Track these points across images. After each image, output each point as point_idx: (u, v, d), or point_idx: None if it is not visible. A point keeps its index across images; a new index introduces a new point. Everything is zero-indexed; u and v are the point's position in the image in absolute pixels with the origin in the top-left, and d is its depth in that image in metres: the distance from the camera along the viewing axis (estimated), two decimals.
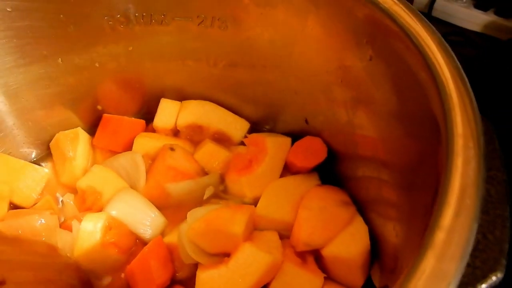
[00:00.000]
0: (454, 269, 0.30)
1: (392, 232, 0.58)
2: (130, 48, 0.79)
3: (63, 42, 0.75)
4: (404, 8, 0.51)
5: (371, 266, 0.64)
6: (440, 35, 0.49)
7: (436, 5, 1.16)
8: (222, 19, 0.73)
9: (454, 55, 0.44)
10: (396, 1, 0.52)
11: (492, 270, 0.35)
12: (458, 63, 0.43)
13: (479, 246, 0.36)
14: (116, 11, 0.73)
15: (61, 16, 0.71)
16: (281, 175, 0.77)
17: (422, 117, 0.47)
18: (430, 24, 0.50)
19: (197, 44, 0.78)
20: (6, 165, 0.77)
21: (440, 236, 0.32)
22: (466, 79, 0.42)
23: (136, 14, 0.74)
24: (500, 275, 0.36)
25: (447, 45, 0.46)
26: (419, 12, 0.51)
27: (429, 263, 0.32)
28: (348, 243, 0.63)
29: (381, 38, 0.54)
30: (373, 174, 0.64)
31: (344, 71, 0.63)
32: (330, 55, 0.65)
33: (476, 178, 0.35)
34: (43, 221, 0.70)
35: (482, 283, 0.34)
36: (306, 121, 0.78)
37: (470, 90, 0.42)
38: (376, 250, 0.64)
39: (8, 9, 0.68)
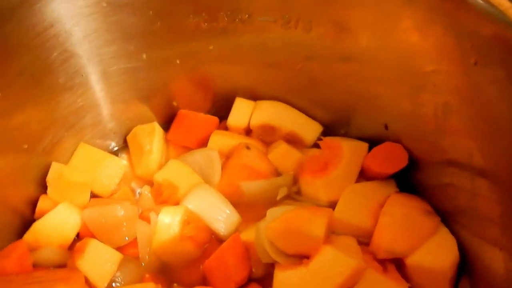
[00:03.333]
0: None
1: (496, 255, 0.55)
2: (211, 47, 0.80)
3: (149, 38, 0.77)
4: None
5: (459, 278, 0.62)
6: None
7: None
8: (307, 20, 0.73)
9: None
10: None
11: None
12: None
13: None
14: (202, 8, 0.75)
15: (150, 12, 0.73)
16: (357, 181, 0.76)
17: None
18: None
19: (277, 44, 0.78)
20: (88, 155, 0.79)
21: None
22: None
23: (221, 13, 0.75)
24: None
25: None
26: None
27: None
28: (436, 253, 0.62)
29: (489, 43, 0.52)
30: (465, 184, 0.61)
31: (439, 75, 0.62)
32: (423, 59, 0.64)
33: None
34: (123, 212, 0.72)
35: None
36: (386, 127, 0.77)
37: None
38: (465, 263, 0.61)
39: (104, 4, 0.70)
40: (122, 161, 0.82)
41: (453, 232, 0.64)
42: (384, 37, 0.68)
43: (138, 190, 0.81)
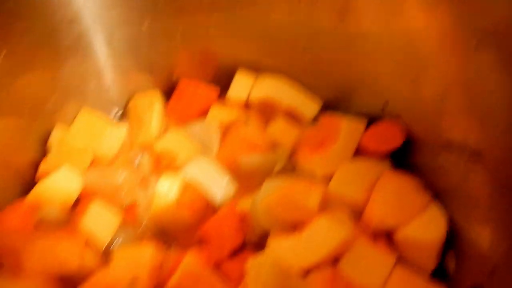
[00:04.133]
0: None
1: (482, 231, 0.57)
2: (214, 20, 0.81)
3: (152, 6, 0.77)
4: None
5: (445, 252, 0.65)
6: None
7: None
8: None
9: None
10: None
11: None
12: None
13: None
14: None
15: None
16: (353, 158, 0.77)
17: None
18: None
19: (282, 22, 0.79)
20: (89, 122, 0.80)
21: None
22: None
23: None
24: None
25: None
26: None
27: None
28: (425, 228, 0.64)
29: (490, 27, 0.53)
30: (458, 165, 0.63)
31: (438, 60, 0.63)
32: (426, 40, 0.64)
33: None
34: (124, 177, 0.74)
35: None
36: (385, 105, 0.78)
37: None
38: (453, 239, 0.64)
39: None
40: (123, 128, 0.84)
41: (444, 208, 0.66)
42: (388, 18, 0.68)
43: (138, 158, 0.82)
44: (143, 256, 0.66)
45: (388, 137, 0.75)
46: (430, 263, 0.64)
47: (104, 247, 0.70)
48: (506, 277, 0.36)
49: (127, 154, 0.82)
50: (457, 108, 0.62)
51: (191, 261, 0.61)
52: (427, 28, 0.63)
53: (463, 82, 0.60)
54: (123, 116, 0.89)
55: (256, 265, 0.62)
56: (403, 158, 0.76)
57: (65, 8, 0.68)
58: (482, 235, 0.56)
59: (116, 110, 0.89)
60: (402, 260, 0.65)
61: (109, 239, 0.71)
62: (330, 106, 0.86)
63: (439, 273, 0.65)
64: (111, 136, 0.81)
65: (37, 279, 0.62)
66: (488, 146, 0.57)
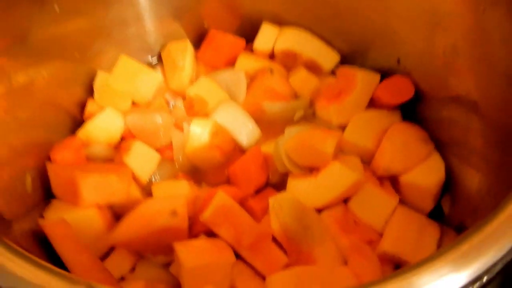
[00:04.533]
0: None
1: (474, 177, 0.66)
2: None
3: None
4: None
5: (442, 196, 0.74)
6: None
7: None
8: None
9: None
10: None
11: None
12: None
13: None
14: None
15: None
16: (366, 108, 0.85)
17: None
18: None
19: None
20: (128, 67, 0.88)
21: None
22: None
23: None
24: None
25: None
26: None
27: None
28: (425, 174, 0.73)
29: None
30: (460, 119, 0.71)
31: (452, 18, 0.68)
32: (441, 1, 0.70)
33: None
34: (161, 120, 0.83)
35: None
36: (398, 61, 0.84)
37: None
38: (450, 184, 0.73)
39: None
40: (158, 74, 0.91)
41: (443, 157, 0.75)
42: None
43: (172, 102, 0.90)
44: (180, 191, 0.76)
45: (399, 90, 0.82)
46: (428, 204, 0.74)
47: (145, 182, 0.81)
48: (484, 216, 0.46)
49: (163, 97, 0.91)
50: (465, 64, 0.68)
51: (222, 196, 0.71)
52: None
53: (470, 41, 0.66)
54: (157, 63, 0.96)
55: (278, 201, 0.72)
56: (412, 110, 0.83)
57: None
58: (472, 180, 0.65)
59: (151, 57, 0.96)
60: (403, 201, 0.76)
61: (150, 175, 0.81)
62: (347, 59, 0.93)
63: (436, 214, 0.75)
64: (148, 80, 0.89)
65: (92, 208, 0.72)
66: (487, 99, 0.64)
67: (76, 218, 0.70)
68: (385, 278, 0.36)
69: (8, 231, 0.59)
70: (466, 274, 0.36)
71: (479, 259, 0.36)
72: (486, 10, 0.62)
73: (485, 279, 0.38)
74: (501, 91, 0.62)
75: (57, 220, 0.67)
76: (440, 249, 0.38)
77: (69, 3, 0.74)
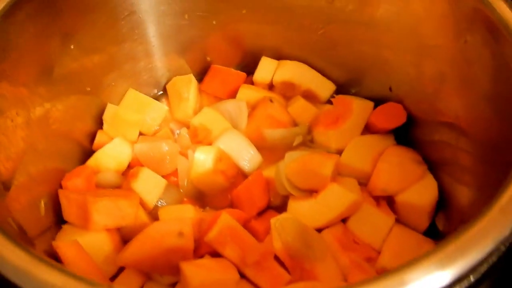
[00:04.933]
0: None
1: (465, 193, 0.70)
2: (244, 11, 0.92)
3: (192, 2, 0.89)
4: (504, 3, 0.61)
5: (436, 214, 0.78)
6: None
7: None
8: None
9: None
10: None
11: None
12: None
13: None
14: None
15: None
16: (362, 134, 0.90)
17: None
18: None
19: (304, 10, 0.90)
20: (136, 99, 0.94)
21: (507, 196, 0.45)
22: None
23: None
24: None
25: None
26: None
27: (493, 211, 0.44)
28: (420, 193, 0.77)
29: (478, 25, 0.65)
30: (450, 140, 0.76)
31: (438, 49, 0.74)
32: (428, 31, 0.76)
33: None
34: (168, 148, 0.87)
35: None
36: (390, 89, 0.90)
37: None
38: (443, 202, 0.77)
39: None
40: (164, 105, 0.97)
41: (436, 177, 0.79)
42: (398, 9, 0.79)
43: (177, 131, 0.96)
44: (186, 214, 0.80)
45: (392, 116, 0.88)
46: (423, 222, 0.77)
47: (152, 207, 0.84)
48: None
49: (168, 127, 0.96)
50: (451, 90, 0.74)
51: (227, 217, 0.75)
52: (429, 21, 0.74)
53: (456, 70, 0.72)
54: (163, 95, 1.02)
55: (279, 221, 0.75)
56: (405, 134, 0.88)
57: (125, 2, 0.81)
58: (464, 196, 0.69)
59: (157, 90, 1.02)
60: (400, 220, 0.79)
61: (156, 200, 0.85)
62: (343, 89, 0.98)
63: (431, 232, 0.78)
64: (154, 112, 0.94)
65: (102, 232, 0.75)
66: (472, 121, 0.69)
67: (87, 241, 0.73)
68: (376, 277, 0.39)
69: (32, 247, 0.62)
70: (451, 272, 0.39)
71: (463, 258, 0.40)
72: (467, 42, 0.68)
73: (472, 278, 0.41)
74: (483, 112, 0.66)
75: (70, 242, 0.70)
76: (428, 250, 0.41)
77: (85, 44, 0.81)
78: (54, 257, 0.69)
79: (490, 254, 0.41)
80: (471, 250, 0.40)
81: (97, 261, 0.72)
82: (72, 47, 0.78)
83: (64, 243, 0.70)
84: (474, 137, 0.70)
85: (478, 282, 0.41)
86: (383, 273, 0.39)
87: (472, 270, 0.39)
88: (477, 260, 0.40)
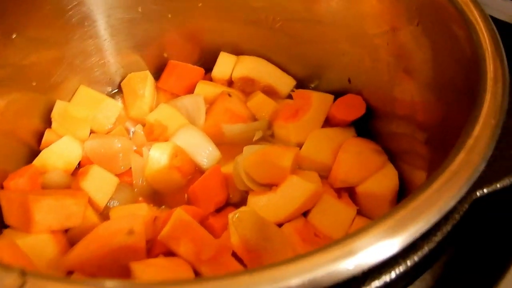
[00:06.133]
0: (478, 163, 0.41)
1: (422, 178, 0.69)
2: (200, 4, 0.90)
3: None
4: None
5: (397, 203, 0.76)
6: (482, 8, 0.59)
7: None
8: None
9: (492, 22, 0.55)
10: None
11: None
12: (495, 28, 0.54)
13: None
14: None
15: None
16: (322, 127, 0.88)
17: (458, 85, 0.58)
18: None
19: (260, 4, 0.89)
20: (88, 96, 0.89)
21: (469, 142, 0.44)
22: (500, 41, 0.52)
23: None
24: None
25: (487, 14, 0.56)
26: None
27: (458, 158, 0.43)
28: (380, 182, 0.75)
29: (429, 6, 0.64)
30: (407, 131, 0.75)
31: (392, 35, 0.74)
32: (380, 20, 0.75)
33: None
34: (120, 144, 0.83)
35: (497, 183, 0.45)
36: (349, 81, 0.89)
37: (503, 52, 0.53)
38: (403, 190, 0.75)
39: None
40: (118, 103, 0.93)
41: (396, 166, 0.77)
42: (345, 6, 0.80)
43: (132, 129, 0.91)
44: (138, 212, 0.76)
45: (352, 108, 0.86)
46: (385, 212, 0.75)
47: (103, 208, 0.79)
48: None
49: (123, 126, 0.91)
50: (402, 78, 0.73)
51: (181, 212, 0.71)
52: (380, 9, 0.74)
53: (404, 55, 0.71)
54: (117, 92, 0.98)
55: (237, 215, 0.72)
56: (365, 126, 0.87)
57: None
58: (419, 180, 0.67)
59: (111, 87, 0.98)
60: (362, 212, 0.77)
61: (107, 200, 0.80)
62: (303, 83, 0.97)
63: None
64: (108, 109, 0.90)
65: (46, 233, 0.70)
66: (426, 115, 0.68)
67: (28, 244, 0.68)
68: (323, 246, 0.36)
69: None
70: (401, 238, 0.37)
71: (412, 224, 0.38)
72: (419, 25, 0.68)
73: (426, 247, 0.39)
74: (429, 100, 0.66)
75: (5, 244, 0.64)
76: (376, 219, 0.39)
77: (29, 35, 0.76)
78: None
79: (441, 222, 0.38)
80: (420, 216, 0.38)
81: (40, 265, 0.67)
82: (14, 36, 0.73)
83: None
84: (428, 126, 0.69)
85: (434, 252, 0.39)
86: (330, 242, 0.36)
87: (424, 237, 0.37)
88: (425, 226, 0.38)
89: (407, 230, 0.37)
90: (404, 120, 0.77)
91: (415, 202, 0.40)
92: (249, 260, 0.68)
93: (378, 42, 0.77)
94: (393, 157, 0.80)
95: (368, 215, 0.76)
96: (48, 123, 0.86)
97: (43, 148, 0.83)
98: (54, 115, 0.85)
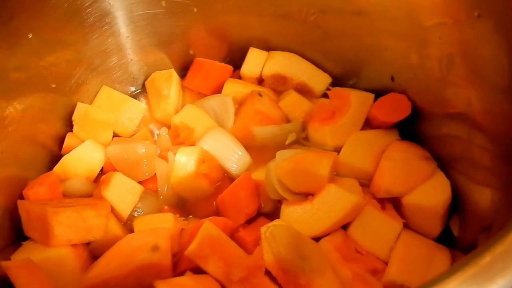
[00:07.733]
0: None
1: (483, 194, 0.60)
2: None
3: None
4: None
5: (449, 217, 0.68)
6: None
7: None
8: None
9: None
10: None
11: None
12: None
13: None
14: None
15: None
16: (362, 129, 0.80)
17: None
18: None
19: None
20: (110, 97, 0.84)
21: None
22: None
23: None
24: None
25: None
26: None
27: None
28: (430, 194, 0.67)
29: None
30: (461, 134, 0.66)
31: (444, 28, 0.65)
32: (430, 11, 0.66)
33: None
34: (144, 149, 0.78)
35: None
36: (392, 78, 0.80)
37: None
38: (457, 204, 0.67)
39: None
40: (142, 104, 0.87)
41: (448, 176, 0.69)
42: None
43: (157, 132, 0.86)
44: (164, 224, 0.70)
45: (395, 108, 0.78)
46: (435, 227, 0.67)
47: (126, 217, 0.75)
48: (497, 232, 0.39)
49: (147, 128, 0.86)
50: (459, 77, 0.64)
51: (209, 226, 0.65)
52: (427, 1, 0.64)
53: (466, 51, 0.62)
54: (141, 93, 0.93)
55: (270, 230, 0.65)
56: (410, 129, 0.78)
57: None
58: (483, 197, 0.59)
59: (135, 87, 0.92)
60: (409, 226, 0.69)
61: (131, 209, 0.75)
62: (339, 81, 0.89)
63: (445, 238, 0.69)
64: (131, 111, 0.85)
65: (66, 247, 0.65)
66: (486, 113, 0.59)
67: (47, 259, 0.64)
68: None
69: None
70: None
71: (505, 273, 0.30)
72: (480, 16, 0.59)
73: None
74: (497, 104, 0.57)
75: (21, 261, 0.60)
76: (448, 270, 0.31)
77: (46, 35, 0.71)
78: (7, 282, 0.58)
79: None
80: (503, 271, 0.30)
81: (59, 282, 0.62)
82: (30, 36, 0.68)
83: (14, 262, 0.59)
84: (489, 131, 0.60)
85: None
86: None
87: None
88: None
89: (500, 280, 0.30)
90: (458, 123, 0.68)
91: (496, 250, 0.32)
92: (284, 281, 0.62)
93: (428, 36, 0.68)
94: (444, 164, 0.71)
95: (416, 230, 0.68)
96: (69, 126, 0.82)
97: (65, 153, 0.79)
98: (75, 118, 0.81)
